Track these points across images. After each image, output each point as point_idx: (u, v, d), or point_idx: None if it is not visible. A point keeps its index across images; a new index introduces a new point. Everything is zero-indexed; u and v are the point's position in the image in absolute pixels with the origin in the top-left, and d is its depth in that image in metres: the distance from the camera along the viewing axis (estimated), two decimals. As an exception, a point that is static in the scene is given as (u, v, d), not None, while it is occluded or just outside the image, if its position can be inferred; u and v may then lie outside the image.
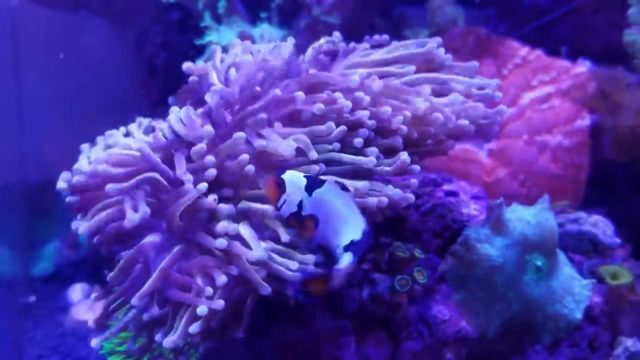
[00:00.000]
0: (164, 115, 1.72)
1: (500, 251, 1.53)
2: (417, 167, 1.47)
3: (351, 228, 1.33)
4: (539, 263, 1.56)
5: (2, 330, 2.45)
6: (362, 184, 1.39)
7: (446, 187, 1.84)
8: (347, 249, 1.31)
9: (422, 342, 1.54)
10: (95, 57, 2.83)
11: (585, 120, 2.18)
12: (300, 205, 1.36)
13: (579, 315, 1.59)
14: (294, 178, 1.38)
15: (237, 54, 1.63)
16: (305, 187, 1.37)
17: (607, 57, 2.33)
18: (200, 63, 1.62)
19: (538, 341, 1.57)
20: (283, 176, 1.37)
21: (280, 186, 1.37)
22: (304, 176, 1.38)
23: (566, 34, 2.48)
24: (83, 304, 2.44)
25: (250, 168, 1.38)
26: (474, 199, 1.83)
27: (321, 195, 1.36)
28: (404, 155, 1.43)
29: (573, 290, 1.60)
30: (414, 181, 1.47)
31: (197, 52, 2.30)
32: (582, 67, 2.28)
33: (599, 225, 1.84)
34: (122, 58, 2.76)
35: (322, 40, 1.69)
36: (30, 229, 2.67)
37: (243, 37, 2.31)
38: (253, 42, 2.32)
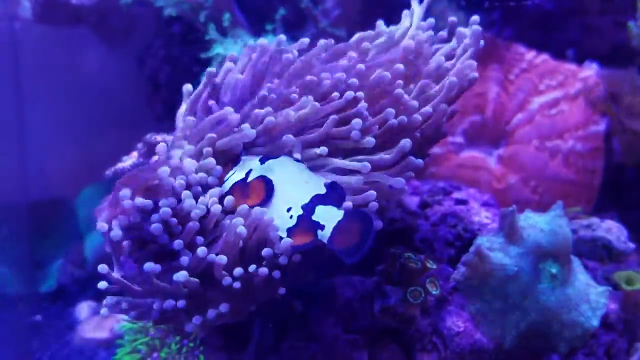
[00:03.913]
0: (168, 129, 1.71)
1: (515, 260, 1.51)
2: (420, 161, 1.39)
3: (308, 186, 1.26)
4: (553, 271, 1.53)
5: (9, 351, 2.44)
6: (354, 179, 1.32)
7: (456, 195, 1.83)
8: (309, 206, 1.24)
9: (437, 355, 1.51)
10: (97, 72, 2.83)
11: (600, 125, 2.16)
12: (248, 174, 1.31)
13: (595, 322, 1.56)
14: (251, 157, 1.35)
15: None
16: (260, 159, 1.32)
17: (613, 58, 2.31)
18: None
19: (554, 350, 1.55)
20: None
21: (234, 162, 1.34)
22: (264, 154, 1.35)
23: (572, 36, 2.47)
24: (90, 322, 2.42)
25: None
26: (485, 206, 1.81)
27: (274, 162, 1.30)
28: (404, 141, 1.35)
29: (589, 298, 1.58)
30: (410, 173, 1.39)
31: (201, 65, 2.28)
32: (590, 70, 2.27)
33: (612, 230, 1.81)
34: (124, 73, 2.75)
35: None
36: (35, 247, 2.66)
37: (249, 49, 2.31)
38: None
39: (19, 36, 2.62)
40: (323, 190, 1.26)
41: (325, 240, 1.22)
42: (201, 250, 1.25)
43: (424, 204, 1.81)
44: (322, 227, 1.22)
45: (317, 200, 1.24)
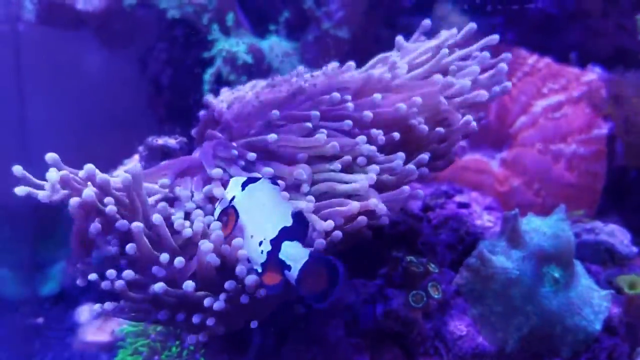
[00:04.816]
0: (170, 132, 1.70)
1: (517, 263, 1.50)
2: (421, 192, 1.40)
3: (277, 218, 1.24)
4: (556, 275, 1.53)
5: (11, 353, 2.43)
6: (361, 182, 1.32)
7: (458, 198, 1.82)
8: (276, 242, 1.22)
9: (439, 359, 1.50)
10: (100, 74, 2.83)
11: (602, 129, 2.15)
12: (232, 201, 1.30)
13: (598, 326, 1.55)
14: (239, 178, 1.35)
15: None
16: (243, 183, 1.32)
17: (617, 62, 2.31)
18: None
19: (557, 354, 1.54)
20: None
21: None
22: (249, 177, 1.34)
23: (574, 39, 2.46)
24: (91, 325, 2.42)
25: None
26: (487, 209, 1.81)
27: (251, 189, 1.30)
28: (410, 165, 1.37)
29: (591, 302, 1.57)
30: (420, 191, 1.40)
31: (203, 67, 2.28)
32: (593, 73, 2.26)
33: (615, 234, 1.81)
34: (127, 75, 2.75)
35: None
36: (37, 250, 2.66)
37: (253, 49, 2.30)
38: (263, 54, 2.33)
39: (22, 38, 2.62)
40: (289, 222, 1.24)
41: (292, 281, 1.21)
42: (178, 261, 1.24)
43: (426, 207, 1.81)
44: (289, 268, 1.20)
45: (283, 234, 1.22)
